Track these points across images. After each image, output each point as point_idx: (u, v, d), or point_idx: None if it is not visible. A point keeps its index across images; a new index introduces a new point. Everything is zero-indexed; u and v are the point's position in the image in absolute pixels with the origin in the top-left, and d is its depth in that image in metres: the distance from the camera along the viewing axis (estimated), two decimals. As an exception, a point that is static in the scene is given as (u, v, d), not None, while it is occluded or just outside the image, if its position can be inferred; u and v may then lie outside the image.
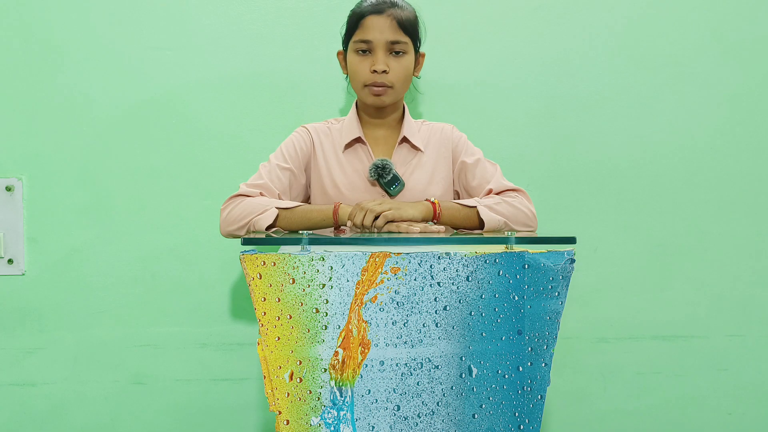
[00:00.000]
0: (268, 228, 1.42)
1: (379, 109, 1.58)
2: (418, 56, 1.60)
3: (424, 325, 1.12)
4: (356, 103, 1.63)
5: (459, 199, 1.61)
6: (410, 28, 1.53)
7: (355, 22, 1.53)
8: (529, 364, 1.15)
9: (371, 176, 1.52)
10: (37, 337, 1.87)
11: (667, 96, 1.99)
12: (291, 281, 1.10)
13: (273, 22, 1.91)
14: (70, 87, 1.87)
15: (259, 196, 1.48)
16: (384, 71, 1.50)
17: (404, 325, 1.12)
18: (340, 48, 1.62)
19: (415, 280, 1.12)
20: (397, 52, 1.52)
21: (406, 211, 1.40)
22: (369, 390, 1.12)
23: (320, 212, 1.45)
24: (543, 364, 1.15)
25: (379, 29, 1.50)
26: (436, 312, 1.12)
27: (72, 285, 1.87)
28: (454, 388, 1.13)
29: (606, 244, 1.98)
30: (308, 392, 1.11)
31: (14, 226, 1.86)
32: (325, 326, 1.10)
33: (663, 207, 1.99)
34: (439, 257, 1.12)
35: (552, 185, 1.96)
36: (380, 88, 1.51)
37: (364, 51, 1.52)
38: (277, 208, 1.43)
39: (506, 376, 1.14)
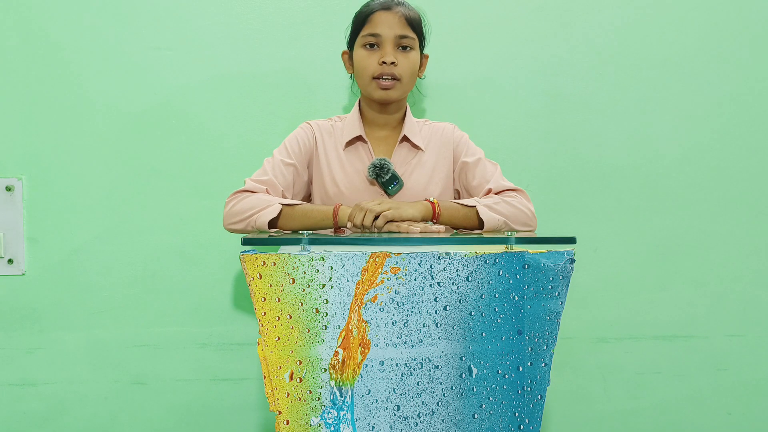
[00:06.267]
0: (270, 222, 1.42)
1: (384, 105, 1.59)
2: (423, 57, 1.61)
3: (424, 325, 1.12)
4: (359, 101, 1.63)
5: (459, 198, 1.61)
6: (417, 25, 1.56)
7: (363, 19, 1.56)
8: (529, 364, 1.15)
9: (370, 175, 1.53)
10: (37, 337, 1.87)
11: (667, 96, 1.99)
12: (291, 281, 1.10)
13: (273, 22, 1.91)
14: (70, 87, 1.87)
15: (264, 193, 1.49)
16: (393, 63, 1.52)
17: (404, 325, 1.12)
18: (345, 49, 1.64)
19: (415, 280, 1.12)
20: (405, 48, 1.54)
21: (405, 210, 1.40)
22: (369, 390, 1.12)
23: (320, 212, 1.45)
24: (543, 364, 1.15)
25: (388, 24, 1.53)
26: (436, 312, 1.12)
27: (72, 285, 1.87)
28: (454, 388, 1.13)
29: (606, 244, 1.98)
30: (308, 392, 1.11)
31: (14, 226, 1.86)
32: (325, 326, 1.10)
33: (663, 207, 1.99)
34: (439, 257, 1.12)
35: (552, 185, 1.96)
36: (389, 81, 1.53)
37: (372, 45, 1.54)
38: (280, 204, 1.44)
39: (506, 376, 1.14)
